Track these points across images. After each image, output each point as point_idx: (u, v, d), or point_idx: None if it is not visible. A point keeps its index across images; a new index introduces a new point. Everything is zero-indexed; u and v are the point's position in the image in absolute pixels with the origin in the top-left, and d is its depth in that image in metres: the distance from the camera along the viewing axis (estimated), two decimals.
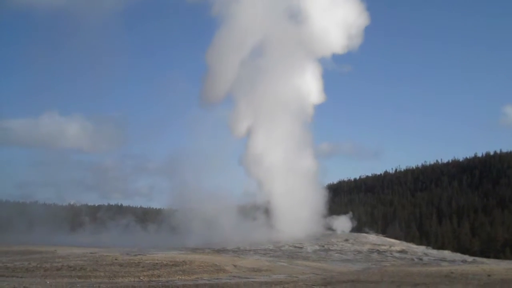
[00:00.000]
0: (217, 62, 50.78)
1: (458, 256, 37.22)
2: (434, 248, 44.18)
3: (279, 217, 43.58)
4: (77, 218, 70.78)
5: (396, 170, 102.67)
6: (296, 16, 51.07)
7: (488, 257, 43.93)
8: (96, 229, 62.36)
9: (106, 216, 65.53)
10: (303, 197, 44.28)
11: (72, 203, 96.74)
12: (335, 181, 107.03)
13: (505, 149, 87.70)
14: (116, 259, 25.40)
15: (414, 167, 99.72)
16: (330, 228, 47.51)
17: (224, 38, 50.24)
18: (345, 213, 51.42)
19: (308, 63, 52.69)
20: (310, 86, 51.93)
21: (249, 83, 51.10)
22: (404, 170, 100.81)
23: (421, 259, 33.17)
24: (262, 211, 45.20)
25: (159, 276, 20.33)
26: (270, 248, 37.34)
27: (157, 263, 24.16)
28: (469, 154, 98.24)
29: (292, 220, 42.51)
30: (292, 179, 46.05)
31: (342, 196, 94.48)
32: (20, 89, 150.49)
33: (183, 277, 20.45)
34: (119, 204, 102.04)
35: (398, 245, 40.96)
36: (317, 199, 45.80)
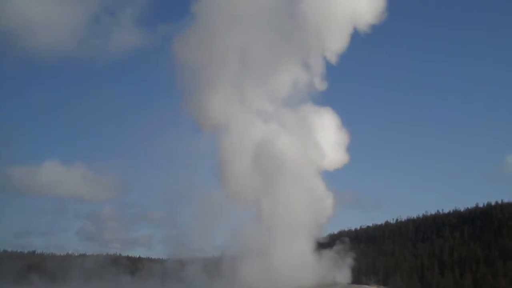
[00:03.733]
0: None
1: None
2: None
3: (279, 264, 42.24)
4: (75, 267, 69.88)
5: (397, 220, 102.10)
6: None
7: None
8: (94, 279, 61.52)
9: (104, 266, 64.79)
10: (305, 233, 41.14)
11: (70, 252, 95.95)
12: (336, 231, 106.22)
13: (506, 199, 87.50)
14: None
15: (415, 217, 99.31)
16: (329, 278, 46.64)
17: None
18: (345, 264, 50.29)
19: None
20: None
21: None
22: (405, 220, 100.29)
23: None
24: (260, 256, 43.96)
25: None
26: None
27: None
28: (470, 204, 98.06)
29: (293, 269, 41.35)
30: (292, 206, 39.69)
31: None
32: (21, 136, 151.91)
33: None
34: (118, 253, 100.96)
35: None
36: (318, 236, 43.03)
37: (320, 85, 41.96)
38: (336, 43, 41.61)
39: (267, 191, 38.75)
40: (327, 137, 41.18)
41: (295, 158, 38.37)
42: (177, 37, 42.92)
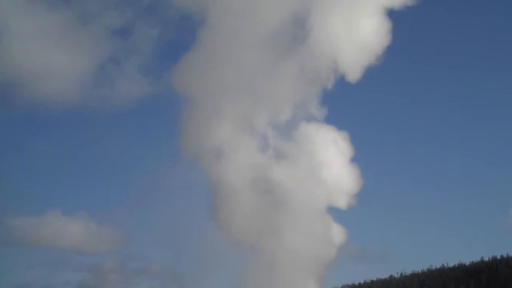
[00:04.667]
0: None
1: None
2: None
3: None
4: None
5: (401, 274, 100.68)
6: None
7: None
8: None
9: None
10: None
11: None
12: (339, 285, 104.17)
13: None
14: None
15: (419, 271, 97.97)
16: None
17: None
18: None
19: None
20: None
21: None
22: (409, 274, 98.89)
23: None
24: None
25: None
26: None
27: None
28: (476, 258, 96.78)
29: None
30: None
31: None
32: (23, 187, 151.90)
33: None
34: None
35: None
36: None
37: (331, 115, 39.20)
38: (349, 71, 39.40)
39: (269, 231, 36.91)
40: (335, 174, 38.41)
41: (299, 194, 36.40)
42: (176, 67, 41.80)
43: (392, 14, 37.16)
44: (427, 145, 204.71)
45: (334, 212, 40.05)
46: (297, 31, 39.29)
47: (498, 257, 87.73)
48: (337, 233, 38.64)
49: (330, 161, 36.67)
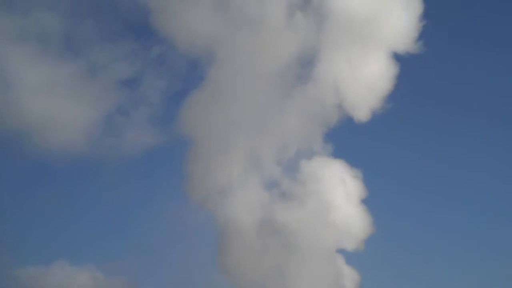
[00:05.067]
0: None
1: None
2: None
3: None
4: None
5: None
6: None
7: None
8: None
9: None
10: None
11: None
12: None
13: None
14: None
15: None
16: None
17: None
18: None
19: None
20: None
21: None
22: None
23: None
24: None
25: None
26: None
27: None
28: None
29: None
30: None
31: None
32: (31, 236, 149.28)
33: None
34: None
35: None
36: None
37: (340, 152, 37.68)
38: (355, 112, 37.71)
39: (277, 276, 34.78)
40: (344, 215, 36.18)
41: (308, 236, 34.44)
42: (183, 108, 40.78)
43: (397, 58, 37.46)
44: (444, 198, 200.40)
45: (344, 256, 38.26)
46: (303, 69, 39.48)
47: None
48: (349, 277, 36.98)
49: (340, 201, 35.20)
